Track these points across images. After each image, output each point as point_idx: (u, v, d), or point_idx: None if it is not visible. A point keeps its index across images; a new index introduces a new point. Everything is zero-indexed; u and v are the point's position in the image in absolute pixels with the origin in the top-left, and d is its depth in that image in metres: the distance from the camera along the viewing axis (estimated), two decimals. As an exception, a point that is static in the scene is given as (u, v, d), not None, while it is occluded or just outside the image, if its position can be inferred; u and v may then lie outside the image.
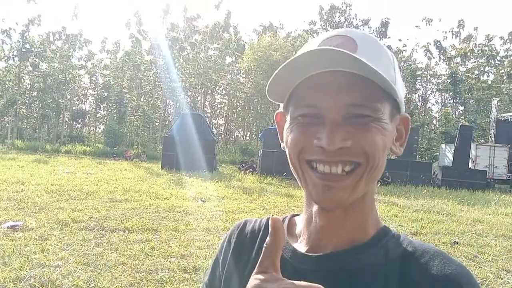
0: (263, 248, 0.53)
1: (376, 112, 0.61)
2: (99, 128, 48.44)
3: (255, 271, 0.52)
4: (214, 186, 13.35)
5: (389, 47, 44.73)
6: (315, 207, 0.69)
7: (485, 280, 5.25)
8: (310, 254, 0.68)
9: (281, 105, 0.71)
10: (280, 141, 0.72)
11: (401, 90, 0.66)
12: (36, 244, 5.51)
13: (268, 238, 0.52)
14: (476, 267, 5.89)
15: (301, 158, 0.64)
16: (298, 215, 0.80)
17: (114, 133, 32.69)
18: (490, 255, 6.62)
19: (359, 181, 0.62)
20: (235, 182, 15.19)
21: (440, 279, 0.60)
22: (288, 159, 0.67)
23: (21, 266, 4.58)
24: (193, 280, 4.56)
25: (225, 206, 9.56)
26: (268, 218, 0.78)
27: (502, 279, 5.43)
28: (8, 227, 6.28)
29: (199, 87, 43.25)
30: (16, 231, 6.12)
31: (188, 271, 4.86)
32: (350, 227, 0.68)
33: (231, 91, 43.02)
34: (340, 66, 0.59)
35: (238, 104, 45.20)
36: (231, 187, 13.40)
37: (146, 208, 8.61)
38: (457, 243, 7.22)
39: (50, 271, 4.47)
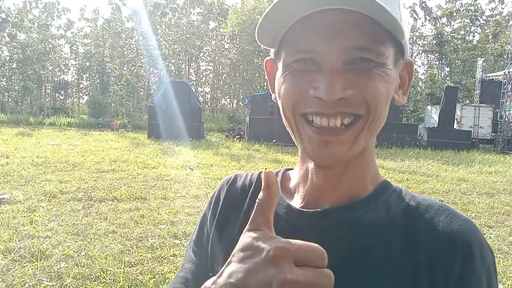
0: (256, 204, 0.47)
1: (379, 56, 0.55)
2: (83, 99, 47.69)
3: (246, 228, 0.47)
4: (202, 154, 13.34)
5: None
6: (311, 164, 0.64)
7: (469, 236, 5.41)
8: (306, 210, 0.64)
9: (272, 51, 0.64)
10: (271, 92, 0.66)
11: (406, 30, 0.57)
12: (24, 216, 5.48)
13: (261, 193, 0.47)
14: (460, 223, 6.06)
15: (296, 111, 0.58)
16: (292, 169, 0.75)
17: (98, 103, 32.17)
18: (473, 212, 6.81)
19: (359, 135, 0.57)
20: (223, 150, 15.20)
21: (446, 235, 0.57)
22: (281, 112, 0.61)
23: (10, 238, 4.57)
24: (183, 245, 4.60)
25: (213, 173, 9.58)
26: (260, 173, 0.74)
27: (484, 234, 5.60)
28: (-6, 200, 6.23)
29: (183, 54, 42.47)
30: (3, 204, 6.06)
31: (178, 237, 4.90)
32: (348, 183, 0.63)
33: (216, 58, 42.37)
34: (339, 3, 0.52)
35: (223, 71, 44.64)
36: (219, 154, 13.41)
37: (134, 178, 8.59)
38: (442, 201, 7.35)
39: (40, 242, 4.47)
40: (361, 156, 0.62)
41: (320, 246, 0.44)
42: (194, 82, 45.63)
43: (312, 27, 0.54)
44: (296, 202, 0.67)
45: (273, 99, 0.65)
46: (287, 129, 0.62)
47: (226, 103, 50.09)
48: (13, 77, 40.17)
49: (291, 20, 0.55)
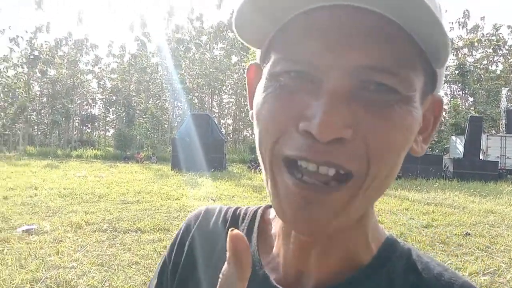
0: (219, 280, 0.34)
1: (407, 86, 0.38)
2: (109, 132, 48.88)
3: None
4: (224, 185, 13.41)
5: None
6: (292, 236, 0.48)
7: (497, 270, 5.23)
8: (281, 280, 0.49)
9: (258, 52, 0.48)
10: (249, 107, 0.49)
11: (444, 58, 0.39)
12: (51, 247, 5.61)
13: (225, 265, 0.34)
14: (488, 257, 5.86)
15: (276, 150, 0.40)
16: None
17: (123, 136, 32.94)
18: (502, 245, 6.59)
19: (355, 197, 0.40)
20: (244, 181, 15.24)
21: None
22: (256, 142, 0.44)
23: (37, 268, 4.67)
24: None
25: (235, 204, 9.58)
26: (236, 209, 0.60)
27: (515, 268, 5.41)
28: (23, 231, 6.40)
29: (206, 87, 43.40)
30: (31, 235, 6.23)
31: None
32: (339, 254, 0.47)
33: (238, 90, 43.08)
34: (362, 1, 0.36)
35: (245, 103, 45.26)
36: (241, 185, 13.45)
37: (158, 209, 8.70)
38: (469, 234, 7.18)
39: (66, 272, 4.55)
40: (356, 224, 0.46)
41: None
42: (217, 114, 46.35)
43: (315, 28, 0.38)
44: (274, 270, 0.50)
45: (249, 117, 0.48)
46: (261, 167, 0.46)
47: (248, 135, 50.48)
48: (42, 111, 41.73)
49: (288, 15, 0.40)
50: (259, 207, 0.60)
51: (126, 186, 12.13)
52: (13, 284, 4.10)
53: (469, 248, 6.32)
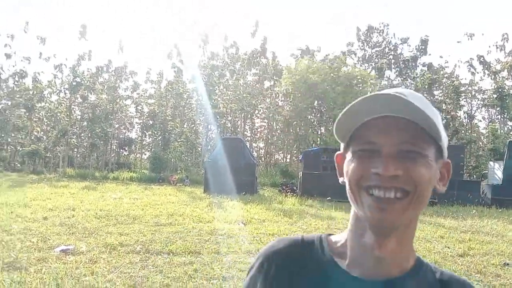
0: None
1: (423, 150, 0.74)
2: (145, 155, 50.03)
3: None
4: (255, 209, 13.46)
5: (430, 65, 43.79)
6: (368, 234, 0.78)
7: (537, 303, 5.01)
8: (366, 279, 0.77)
9: (342, 146, 0.85)
10: (339, 176, 0.85)
11: (444, 139, 0.78)
12: (86, 267, 5.82)
13: None
14: (528, 289, 5.62)
15: (360, 184, 0.75)
16: (331, 234, 0.89)
17: (159, 159, 33.68)
18: (543, 277, 6.29)
19: (408, 206, 0.73)
20: (275, 205, 15.24)
21: None
22: (347, 186, 0.78)
23: None
24: (233, 301, 4.66)
25: (266, 228, 9.63)
26: (303, 238, 0.87)
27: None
28: (60, 251, 6.67)
29: (239, 112, 43.96)
30: (68, 255, 6.48)
31: (229, 292, 4.97)
32: (399, 257, 0.78)
33: (270, 115, 43.35)
34: (394, 112, 0.73)
35: (277, 127, 45.40)
36: (272, 209, 13.46)
37: (189, 231, 8.84)
38: (508, 264, 6.90)
39: (100, 292, 4.72)
40: (407, 231, 0.78)
41: None
42: (249, 138, 46.68)
43: (374, 127, 0.75)
44: (353, 270, 0.79)
45: (340, 182, 0.84)
46: (350, 200, 0.79)
47: (280, 158, 50.42)
48: (82, 135, 43.35)
49: (360, 122, 0.76)
50: (320, 235, 0.89)
51: (160, 208, 12.39)
52: (50, 302, 4.28)
53: (508, 279, 6.07)
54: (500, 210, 16.21)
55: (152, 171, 32.80)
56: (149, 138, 47.15)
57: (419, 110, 0.70)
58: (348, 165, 0.78)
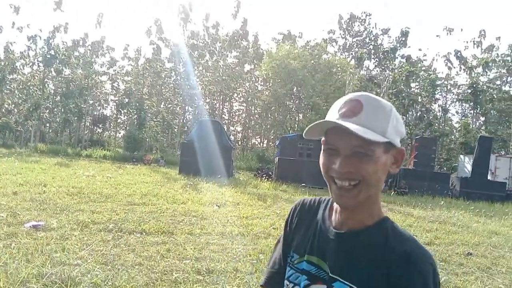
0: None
1: (369, 150, 0.98)
2: (119, 133, 49.29)
3: None
4: (230, 192, 13.50)
5: (409, 57, 44.35)
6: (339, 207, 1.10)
7: (496, 291, 5.25)
8: (336, 230, 1.09)
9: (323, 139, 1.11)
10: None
11: (393, 134, 1.02)
12: (57, 244, 5.74)
13: None
14: (488, 278, 5.88)
15: (328, 174, 1.03)
16: None
17: (134, 138, 33.23)
18: (504, 267, 6.59)
19: (359, 192, 1.00)
20: (250, 189, 15.32)
21: (403, 253, 0.99)
22: (322, 173, 1.06)
23: (43, 264, 4.79)
24: (206, 281, 4.70)
25: (239, 211, 9.70)
26: (319, 200, 1.23)
27: (514, 290, 5.41)
28: (30, 226, 6.54)
29: (218, 94, 43.69)
30: (38, 231, 6.37)
31: (202, 273, 5.00)
32: (359, 217, 1.06)
33: (249, 99, 43.28)
34: (347, 130, 0.97)
35: (255, 111, 45.42)
36: (247, 193, 13.53)
37: (163, 212, 8.81)
38: (471, 254, 7.19)
39: (70, 269, 4.67)
40: (366, 201, 1.04)
41: (338, 247, 1.05)
42: (227, 121, 46.55)
43: (335, 134, 1.01)
44: (334, 224, 1.11)
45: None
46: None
47: (256, 143, 50.57)
48: (55, 110, 42.25)
49: (325, 129, 1.05)
50: (330, 198, 1.17)
51: (133, 187, 12.28)
52: (19, 278, 4.22)
53: (470, 268, 6.33)
54: (467, 202, 16.79)
55: (127, 150, 32.38)
56: (124, 116, 46.43)
57: (362, 133, 0.95)
58: (321, 159, 1.06)
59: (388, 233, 1.03)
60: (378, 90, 33.37)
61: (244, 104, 47.33)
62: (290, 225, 1.25)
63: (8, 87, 39.64)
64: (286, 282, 1.15)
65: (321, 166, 1.06)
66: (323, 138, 1.07)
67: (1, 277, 4.15)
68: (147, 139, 38.67)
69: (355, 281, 0.99)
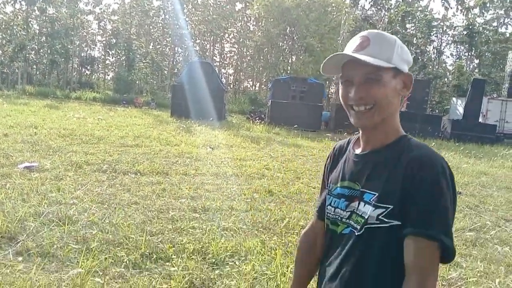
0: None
1: (378, 76, 1.11)
2: (108, 75, 48.32)
3: None
4: (223, 134, 13.50)
5: (406, -4, 42.94)
6: (361, 131, 1.23)
7: (483, 227, 5.43)
8: (358, 153, 1.23)
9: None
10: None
11: (399, 61, 1.14)
12: (52, 184, 5.75)
13: None
14: (476, 215, 6.06)
15: (346, 103, 1.18)
16: None
17: (123, 80, 32.62)
18: (491, 205, 6.78)
19: (374, 114, 1.13)
20: (243, 131, 15.33)
21: (418, 159, 1.09)
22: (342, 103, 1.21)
23: (39, 203, 4.81)
24: (202, 219, 4.77)
25: (233, 153, 9.74)
26: (350, 139, 1.34)
27: (500, 227, 5.60)
28: (24, 167, 6.52)
29: (208, 34, 42.49)
30: (32, 172, 6.35)
31: (198, 211, 5.07)
32: (378, 137, 1.18)
33: (241, 40, 42.23)
34: (358, 60, 1.10)
35: (247, 53, 44.48)
36: (240, 136, 13.55)
37: (157, 154, 8.82)
38: (460, 193, 7.36)
39: (67, 208, 4.70)
40: (382, 123, 1.16)
41: (364, 166, 1.19)
42: (218, 64, 45.66)
43: (348, 66, 1.15)
44: (359, 150, 1.24)
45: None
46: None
47: (249, 86, 50.04)
48: (41, 51, 40.91)
49: (341, 63, 1.18)
50: (358, 135, 1.29)
51: (126, 130, 12.20)
52: (17, 216, 4.24)
53: (459, 206, 6.50)
54: (457, 144, 17.02)
55: (116, 92, 31.90)
56: (112, 58, 45.26)
57: (370, 61, 1.08)
58: (340, 92, 1.20)
59: (405, 146, 1.14)
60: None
61: (236, 46, 46.24)
62: (327, 167, 1.39)
63: (-11, 26, 38.05)
64: (328, 208, 1.28)
65: (340, 98, 1.20)
66: (340, 74, 1.20)
67: (0, 215, 4.17)
68: (137, 81, 38.02)
69: (378, 190, 1.11)
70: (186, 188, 6.11)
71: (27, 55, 36.82)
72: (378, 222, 1.10)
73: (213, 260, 3.67)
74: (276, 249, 3.91)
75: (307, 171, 8.40)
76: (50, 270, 3.33)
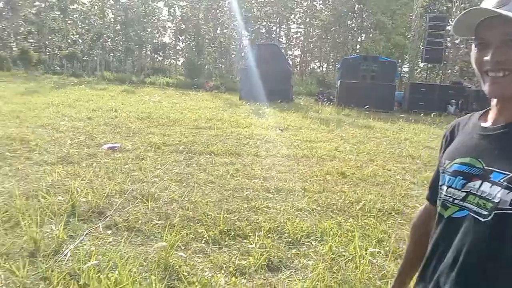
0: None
1: None
2: (179, 61, 49.87)
3: None
4: (291, 116, 13.45)
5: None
6: (493, 102, 1.09)
7: None
8: (488, 126, 1.08)
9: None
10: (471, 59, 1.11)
11: None
12: (134, 163, 6.10)
13: None
14: None
15: (480, 68, 1.03)
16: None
17: (193, 65, 33.54)
18: None
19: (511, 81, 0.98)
20: (312, 113, 15.16)
21: None
22: (474, 68, 1.07)
23: (123, 181, 5.13)
24: (275, 199, 4.82)
25: (303, 135, 9.68)
26: (472, 114, 1.21)
27: None
28: (108, 148, 6.98)
29: (274, 16, 42.23)
30: (115, 152, 6.78)
31: (271, 191, 5.12)
32: (510, 112, 1.03)
33: (307, 20, 41.47)
34: (499, 18, 0.95)
35: (314, 33, 43.62)
36: (308, 117, 13.42)
37: (228, 135, 9.00)
38: None
39: (149, 186, 4.97)
40: None
41: (492, 142, 1.03)
42: (284, 45, 45.31)
43: (484, 26, 1.01)
44: (486, 123, 1.09)
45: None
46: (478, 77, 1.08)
47: (316, 67, 49.24)
48: (116, 38, 43.12)
49: (476, 22, 1.03)
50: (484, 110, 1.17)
51: (198, 112, 12.57)
52: (104, 193, 4.55)
53: None
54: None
55: (187, 77, 32.90)
56: (182, 43, 46.55)
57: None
58: (472, 56, 1.06)
59: None
60: (449, 5, 30.48)
61: (302, 26, 45.53)
62: (442, 146, 1.25)
63: (71, 17, 40.72)
64: (441, 187, 1.12)
65: (473, 63, 1.06)
66: (473, 37, 1.07)
67: (89, 191, 4.51)
68: (206, 66, 38.88)
69: (511, 168, 0.94)
70: (258, 169, 6.19)
71: (104, 43, 39.02)
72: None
73: (289, 239, 3.70)
74: (353, 231, 3.85)
75: (381, 153, 8.13)
76: (137, 243, 3.55)
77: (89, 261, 2.98)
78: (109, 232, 3.73)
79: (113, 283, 2.72)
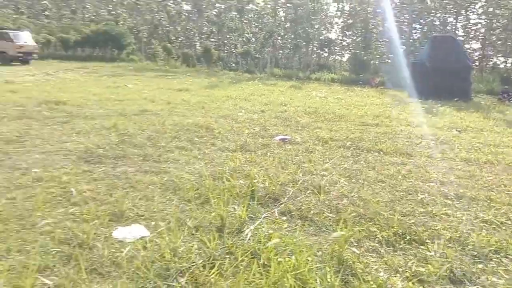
0: None
1: None
2: (344, 57, 49.48)
3: None
4: (470, 116, 12.09)
5: None
6: None
7: None
8: None
9: None
10: None
11: None
12: (304, 156, 6.30)
13: None
14: None
15: None
16: None
17: (359, 60, 32.90)
18: None
19: None
20: (495, 114, 13.38)
21: None
22: None
23: (295, 172, 5.34)
24: (455, 206, 4.39)
25: (485, 138, 8.62)
26: None
27: None
28: (279, 139, 7.36)
29: (451, 6, 38.40)
30: (286, 144, 7.11)
31: (449, 197, 4.68)
32: None
33: (490, 9, 36.60)
34: None
35: (497, 24, 38.26)
36: (491, 118, 11.87)
37: (398, 134, 8.58)
38: None
39: (318, 179, 5.07)
40: None
41: None
42: (461, 38, 40.92)
43: None
44: None
45: None
46: None
47: (499, 62, 43.19)
48: (285, 36, 44.98)
49: None
50: None
51: (364, 109, 12.30)
52: (278, 181, 4.83)
53: None
54: None
55: (352, 72, 32.45)
56: (348, 39, 46.01)
57: None
58: None
59: None
60: None
61: (483, 16, 40.37)
62: None
63: (246, 17, 44.03)
64: None
65: None
66: None
67: (266, 178, 4.83)
68: (372, 61, 37.71)
69: None
70: (434, 172, 5.74)
71: (275, 41, 41.10)
72: None
73: (474, 252, 3.34)
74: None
75: None
76: (309, 232, 3.66)
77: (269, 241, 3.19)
78: (284, 218, 3.93)
79: (291, 267, 2.85)
